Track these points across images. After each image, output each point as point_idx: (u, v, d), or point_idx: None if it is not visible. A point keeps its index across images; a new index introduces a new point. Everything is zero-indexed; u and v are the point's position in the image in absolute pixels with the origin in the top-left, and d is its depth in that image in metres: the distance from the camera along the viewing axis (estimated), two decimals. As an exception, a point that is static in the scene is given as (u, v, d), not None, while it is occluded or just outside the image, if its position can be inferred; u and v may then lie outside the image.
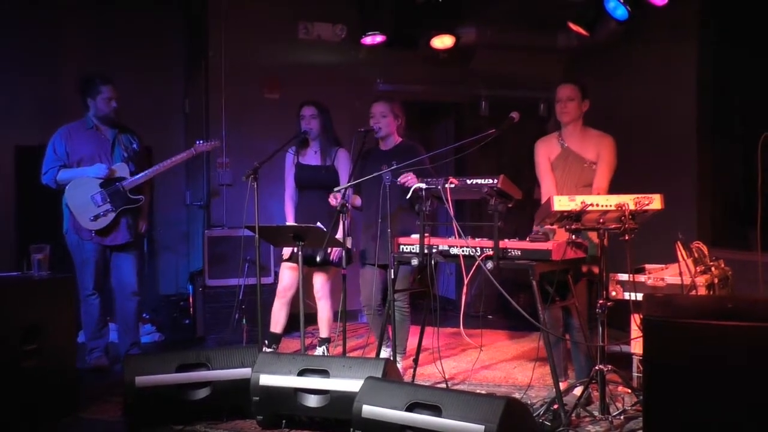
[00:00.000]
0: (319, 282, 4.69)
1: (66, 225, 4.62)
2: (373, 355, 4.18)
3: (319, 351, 4.74)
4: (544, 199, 3.95)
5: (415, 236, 3.74)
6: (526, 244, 3.47)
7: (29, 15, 5.94)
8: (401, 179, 3.84)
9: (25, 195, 5.75)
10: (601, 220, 3.37)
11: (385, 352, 4.26)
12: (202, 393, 3.52)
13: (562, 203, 3.33)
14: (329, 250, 4.45)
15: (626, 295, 3.88)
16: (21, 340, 3.39)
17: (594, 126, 4.07)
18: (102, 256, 4.66)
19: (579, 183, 3.97)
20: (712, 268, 4.00)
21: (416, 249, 3.72)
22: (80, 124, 4.65)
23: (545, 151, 4.10)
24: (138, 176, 4.63)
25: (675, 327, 2.55)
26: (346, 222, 4.14)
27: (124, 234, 4.64)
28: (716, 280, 3.91)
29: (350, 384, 3.22)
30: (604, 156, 3.95)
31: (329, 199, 4.18)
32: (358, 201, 4.50)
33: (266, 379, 3.38)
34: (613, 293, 3.88)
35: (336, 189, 4.17)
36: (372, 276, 4.37)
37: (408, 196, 3.74)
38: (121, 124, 4.73)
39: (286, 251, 4.61)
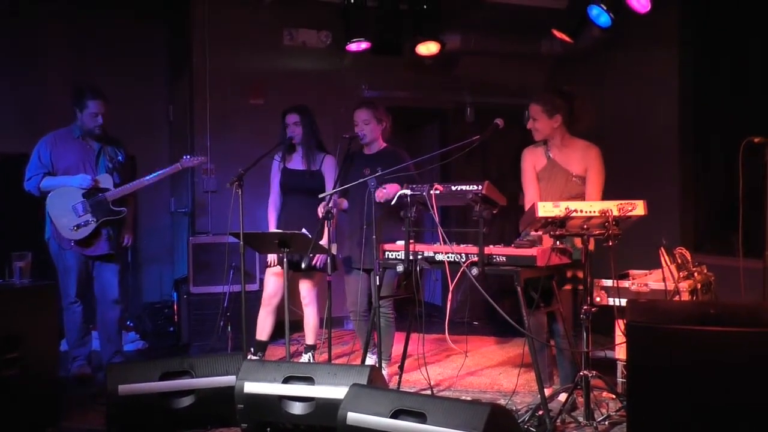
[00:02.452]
0: (306, 288, 4.68)
1: (48, 233, 4.58)
2: (358, 362, 4.17)
3: (305, 358, 4.73)
4: (527, 208, 3.96)
5: (401, 242, 3.74)
6: (511, 250, 3.47)
7: (11, 23, 5.89)
8: (378, 194, 3.87)
9: (7, 202, 5.69)
10: (585, 226, 3.39)
11: (370, 359, 4.25)
12: (186, 401, 3.50)
13: (546, 209, 3.34)
14: (311, 255, 4.44)
15: (610, 301, 3.89)
16: (1, 349, 3.34)
17: (577, 133, 4.08)
18: (84, 264, 4.63)
19: (563, 195, 3.95)
20: (695, 274, 4.03)
21: (401, 255, 3.72)
22: (66, 132, 4.62)
23: (531, 161, 4.09)
24: (121, 188, 4.60)
25: (658, 332, 2.56)
26: (331, 228, 4.13)
27: (104, 245, 4.60)
28: (699, 286, 3.94)
29: (335, 391, 3.21)
30: (593, 168, 3.92)
31: (318, 209, 4.17)
32: (345, 204, 4.47)
33: (251, 387, 3.36)
34: (598, 299, 3.90)
35: (321, 195, 4.17)
36: (357, 282, 4.36)
37: (393, 203, 3.75)
38: (108, 135, 4.69)
39: (271, 259, 4.60)
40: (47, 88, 5.96)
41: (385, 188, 3.94)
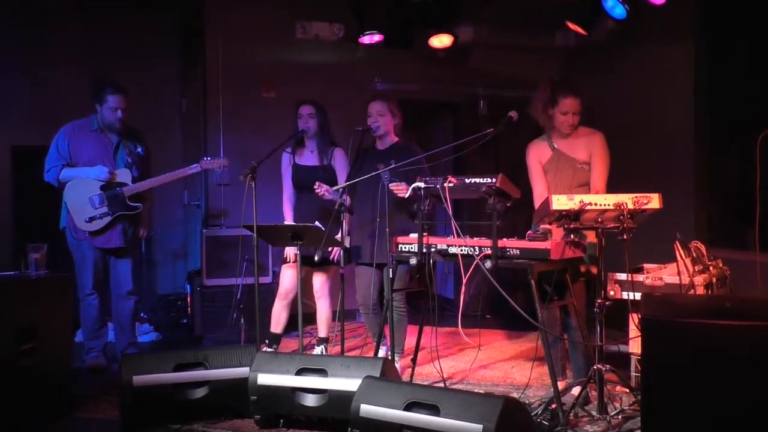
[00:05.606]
0: (319, 282, 4.69)
1: (63, 222, 4.61)
2: (371, 354, 4.17)
3: (318, 350, 4.74)
4: (536, 203, 3.94)
5: (414, 235, 3.74)
6: (525, 243, 3.46)
7: (24, 15, 5.93)
8: (393, 187, 3.85)
9: (22, 195, 5.73)
10: (600, 220, 3.36)
11: (382, 352, 4.25)
12: (200, 392, 3.51)
13: (560, 202, 3.31)
14: (330, 249, 4.45)
15: (624, 295, 3.87)
16: (17, 340, 3.38)
17: (592, 125, 4.05)
18: (101, 256, 4.66)
19: (572, 184, 3.94)
20: (711, 268, 4.00)
21: (414, 248, 3.71)
22: (85, 124, 4.63)
23: (536, 155, 4.06)
24: (138, 185, 4.61)
25: (673, 326, 2.54)
26: (345, 221, 4.13)
27: (118, 238, 4.62)
28: (714, 280, 3.91)
29: (348, 383, 3.22)
30: (597, 154, 3.91)
31: (314, 188, 4.18)
32: (347, 202, 4.47)
33: (264, 379, 3.38)
34: (612, 292, 3.88)
35: (334, 188, 4.17)
36: (367, 275, 4.37)
37: (406, 196, 3.74)
38: (128, 129, 4.70)
39: (288, 254, 4.60)
40: (61, 81, 5.98)
41: (401, 185, 3.93)
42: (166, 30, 6.66)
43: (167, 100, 6.70)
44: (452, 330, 5.24)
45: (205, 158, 4.83)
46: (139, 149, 4.73)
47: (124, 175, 4.60)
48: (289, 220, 4.68)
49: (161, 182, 4.68)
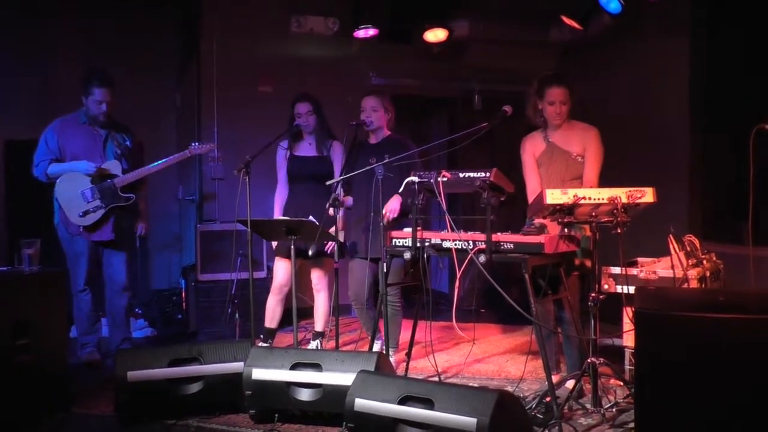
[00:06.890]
0: (317, 275, 4.69)
1: (56, 218, 4.60)
2: (366, 349, 4.17)
3: (313, 345, 4.74)
4: (530, 198, 3.94)
5: (408, 230, 3.74)
6: (519, 238, 3.46)
7: (19, 9, 5.90)
8: (386, 211, 3.93)
9: (16, 189, 5.72)
10: (594, 214, 3.36)
11: (377, 346, 4.25)
12: (195, 387, 3.51)
13: (554, 196, 3.32)
14: (326, 243, 4.45)
15: (618, 288, 3.89)
16: (12, 335, 3.36)
17: (587, 120, 4.06)
18: (94, 251, 4.64)
19: (566, 177, 3.94)
20: (704, 262, 4.01)
21: (409, 242, 3.71)
22: (73, 118, 4.61)
23: (530, 149, 4.06)
24: (129, 175, 4.60)
25: (667, 320, 2.55)
26: (339, 215, 4.13)
27: (111, 231, 4.60)
28: (708, 274, 3.93)
29: (343, 378, 3.22)
30: (591, 148, 3.91)
31: (329, 211, 4.17)
32: (349, 201, 4.46)
33: (259, 373, 3.37)
34: (606, 286, 3.89)
35: (328, 183, 4.17)
36: (361, 270, 4.36)
37: (400, 190, 3.74)
38: (115, 122, 4.68)
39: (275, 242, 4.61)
40: (57, 74, 5.97)
41: (388, 210, 4.01)
42: (163, 24, 6.65)
43: (162, 94, 6.70)
44: (447, 324, 5.25)
45: (193, 143, 4.81)
46: (128, 142, 4.72)
47: (114, 167, 4.58)
48: (277, 215, 4.68)
49: (152, 171, 4.66)
